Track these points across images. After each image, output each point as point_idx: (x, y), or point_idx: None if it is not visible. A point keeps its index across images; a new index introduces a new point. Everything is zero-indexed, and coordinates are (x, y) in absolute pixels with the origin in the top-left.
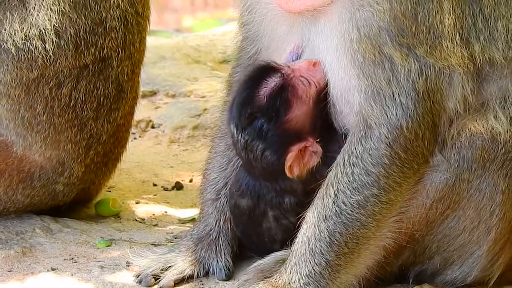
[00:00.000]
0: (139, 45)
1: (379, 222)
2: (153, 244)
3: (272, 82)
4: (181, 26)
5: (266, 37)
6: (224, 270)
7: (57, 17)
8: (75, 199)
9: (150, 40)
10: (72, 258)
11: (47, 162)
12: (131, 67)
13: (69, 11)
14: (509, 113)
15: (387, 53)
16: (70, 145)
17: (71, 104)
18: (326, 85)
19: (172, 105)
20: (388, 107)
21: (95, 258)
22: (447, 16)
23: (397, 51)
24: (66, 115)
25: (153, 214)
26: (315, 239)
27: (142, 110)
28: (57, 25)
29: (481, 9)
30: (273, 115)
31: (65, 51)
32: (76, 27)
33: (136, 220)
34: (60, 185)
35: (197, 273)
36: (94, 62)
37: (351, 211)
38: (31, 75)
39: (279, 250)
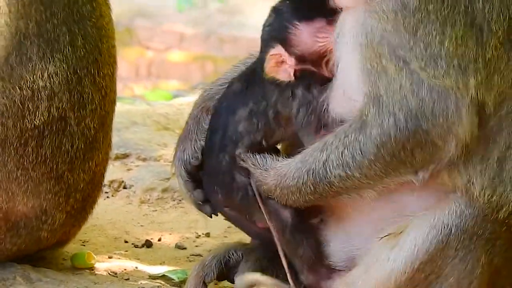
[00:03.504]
0: (102, 101)
1: (359, 191)
2: None
3: (329, 7)
4: (134, 94)
5: None
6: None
7: None
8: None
9: (117, 106)
10: None
11: (31, 211)
12: (99, 120)
13: None
14: (469, 171)
15: (383, 64)
16: (50, 195)
17: (41, 160)
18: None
19: (143, 168)
20: (383, 113)
21: None
22: (448, 40)
23: (392, 63)
24: (41, 169)
25: (125, 269)
26: (302, 183)
27: (115, 171)
28: None
29: (483, 51)
30: (295, 10)
31: (5, 119)
32: (10, 97)
33: (109, 274)
34: (44, 231)
35: None
36: (49, 124)
37: (334, 177)
38: None
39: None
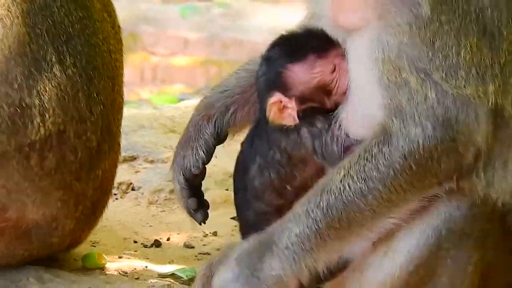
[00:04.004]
0: (104, 112)
1: (373, 214)
2: None
3: (316, 39)
4: (140, 98)
5: None
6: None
7: None
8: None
9: (124, 110)
10: None
11: (41, 219)
12: (102, 132)
13: None
14: (490, 176)
15: (404, 77)
16: (60, 204)
17: (47, 171)
18: (340, 93)
19: (151, 170)
20: (408, 123)
21: None
22: (463, 50)
23: (413, 76)
24: (48, 180)
25: (135, 269)
26: (314, 205)
27: (123, 174)
28: None
29: (498, 57)
30: (286, 54)
31: None
32: None
33: (120, 274)
34: (55, 237)
35: None
36: (48, 138)
37: (353, 194)
38: None
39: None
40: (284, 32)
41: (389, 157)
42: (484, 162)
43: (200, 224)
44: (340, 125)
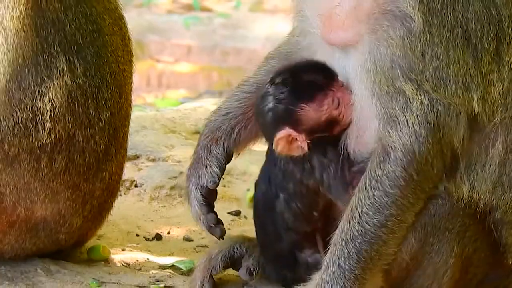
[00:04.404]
0: (112, 119)
1: (396, 239)
2: (138, 286)
3: (319, 76)
4: (146, 102)
5: None
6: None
7: None
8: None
9: None
10: None
11: (49, 217)
12: (110, 137)
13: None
14: (472, 178)
15: (398, 86)
16: (68, 203)
17: (56, 173)
18: (346, 122)
19: (153, 168)
20: (403, 133)
21: None
22: (452, 62)
23: (408, 84)
24: (57, 180)
25: (137, 260)
26: (344, 257)
27: (127, 172)
28: None
29: (480, 67)
30: (296, 93)
31: (11, 138)
32: (12, 119)
33: (123, 265)
34: (62, 234)
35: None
36: (58, 142)
37: (374, 230)
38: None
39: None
40: (288, 68)
41: (392, 175)
42: (465, 165)
43: (219, 239)
44: (348, 154)
